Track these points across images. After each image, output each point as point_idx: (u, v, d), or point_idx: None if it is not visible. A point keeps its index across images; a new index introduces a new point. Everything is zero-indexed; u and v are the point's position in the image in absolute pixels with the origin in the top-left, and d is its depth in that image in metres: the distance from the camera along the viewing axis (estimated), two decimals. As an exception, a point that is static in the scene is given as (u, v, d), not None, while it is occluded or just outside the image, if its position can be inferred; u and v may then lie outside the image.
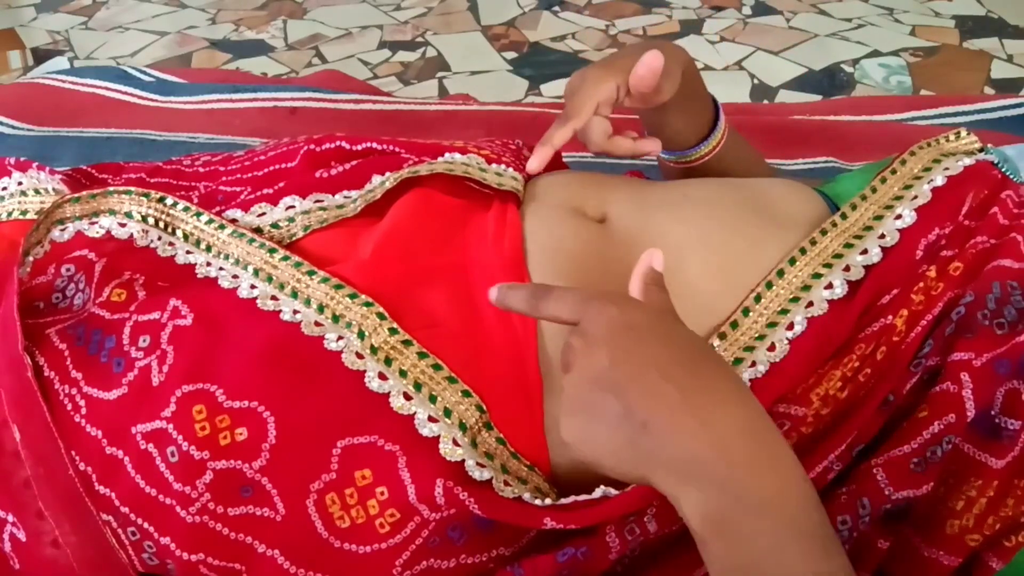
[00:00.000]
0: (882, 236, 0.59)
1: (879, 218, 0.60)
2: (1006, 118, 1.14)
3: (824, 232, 0.59)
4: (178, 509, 0.51)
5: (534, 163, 0.60)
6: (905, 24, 1.63)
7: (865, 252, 0.58)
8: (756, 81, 1.48)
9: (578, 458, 0.42)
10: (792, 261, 0.58)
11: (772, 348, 0.55)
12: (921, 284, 0.56)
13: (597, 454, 0.41)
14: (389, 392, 0.52)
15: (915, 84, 1.45)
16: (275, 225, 0.62)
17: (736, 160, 0.73)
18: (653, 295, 0.46)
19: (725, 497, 0.38)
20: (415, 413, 0.52)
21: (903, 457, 0.50)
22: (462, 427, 0.52)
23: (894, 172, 0.63)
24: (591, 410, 0.41)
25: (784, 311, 0.56)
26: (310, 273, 0.57)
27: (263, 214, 0.63)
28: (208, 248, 0.61)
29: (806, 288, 0.57)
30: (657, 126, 0.70)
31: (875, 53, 1.54)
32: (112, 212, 0.63)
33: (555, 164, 0.78)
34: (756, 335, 0.55)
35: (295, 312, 0.55)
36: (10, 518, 0.53)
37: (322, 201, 0.64)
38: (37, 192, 0.65)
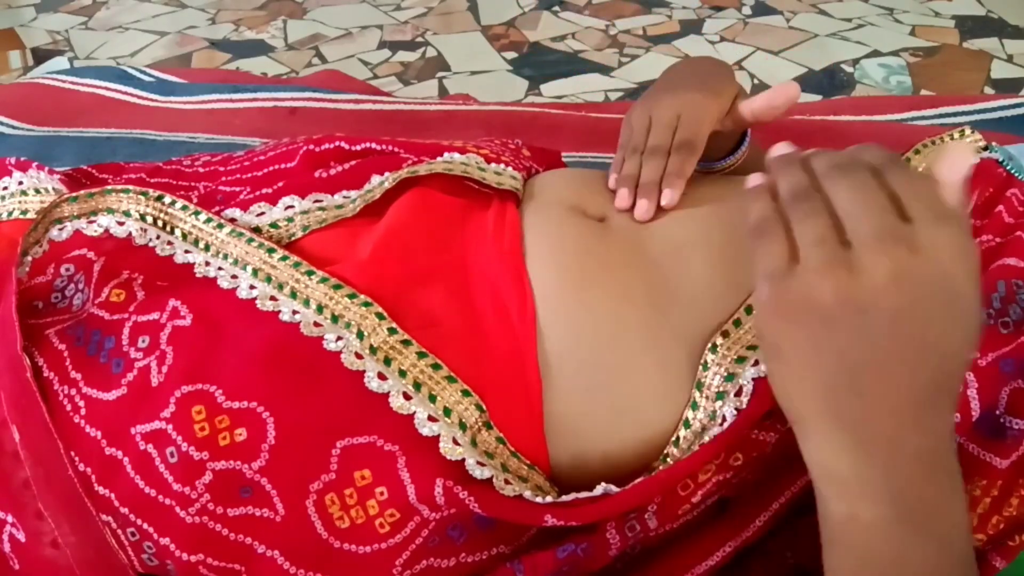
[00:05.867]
0: (886, 234, 0.58)
1: (883, 215, 0.60)
2: (1006, 118, 1.14)
3: (828, 229, 0.59)
4: (177, 510, 0.51)
5: (669, 198, 0.60)
6: (905, 24, 1.63)
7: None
8: (756, 81, 1.48)
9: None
10: (795, 258, 0.57)
11: None
12: (926, 282, 0.56)
13: (784, 366, 0.37)
14: (388, 392, 0.52)
15: (915, 84, 1.45)
16: (274, 225, 0.62)
17: (753, 168, 0.72)
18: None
19: (889, 504, 0.37)
20: (415, 413, 0.52)
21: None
22: (462, 426, 0.52)
23: (897, 171, 0.63)
24: (838, 329, 0.35)
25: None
26: (309, 273, 0.57)
27: (262, 214, 0.63)
28: (207, 247, 0.61)
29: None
30: None
31: (875, 53, 1.54)
32: (110, 211, 0.62)
33: (554, 163, 0.78)
34: (759, 333, 0.55)
35: (294, 312, 0.55)
36: (9, 519, 0.53)
37: (321, 201, 0.64)
38: (38, 191, 0.65)
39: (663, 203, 0.61)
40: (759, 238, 0.39)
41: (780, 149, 0.41)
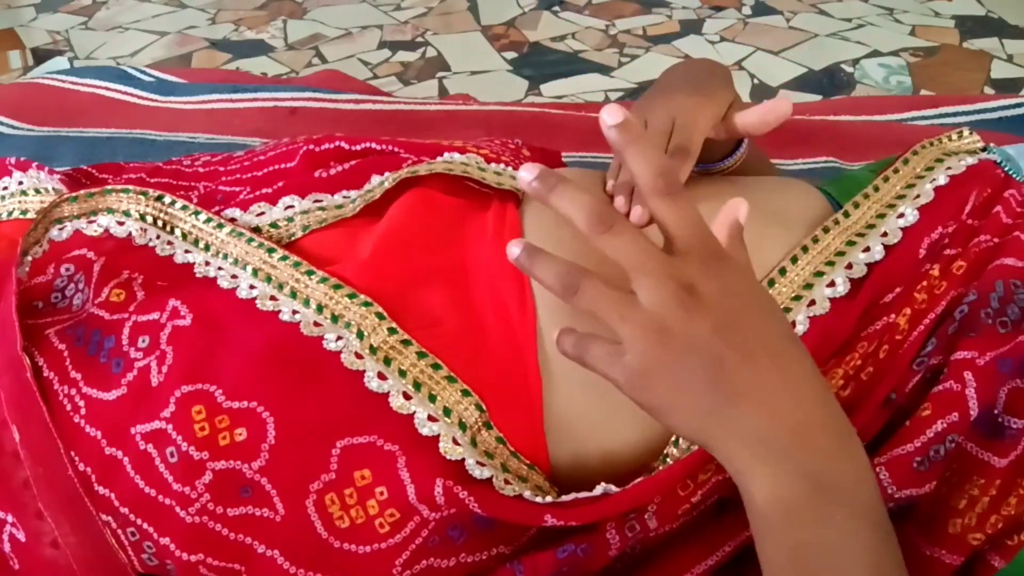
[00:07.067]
0: (884, 234, 0.59)
1: (882, 216, 0.60)
2: (1006, 118, 1.14)
3: (826, 230, 0.59)
4: (177, 510, 0.51)
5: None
6: (905, 24, 1.63)
7: (868, 250, 0.58)
8: (756, 81, 1.48)
9: (649, 406, 0.42)
10: (794, 259, 0.58)
11: None
12: (924, 283, 0.56)
13: (670, 415, 0.41)
14: (388, 392, 0.52)
15: (915, 84, 1.45)
16: (274, 225, 0.62)
17: (751, 168, 0.72)
18: (739, 253, 0.45)
19: (802, 482, 0.39)
20: (414, 412, 0.52)
21: (906, 456, 0.50)
22: (462, 426, 0.52)
23: (896, 171, 0.63)
24: (678, 373, 0.40)
25: (786, 309, 0.56)
26: (309, 273, 0.57)
27: (262, 213, 0.63)
28: (207, 247, 0.61)
29: (808, 286, 0.56)
30: None
31: (875, 53, 1.54)
32: (110, 211, 0.63)
33: (554, 163, 0.78)
34: (758, 334, 0.55)
35: (294, 312, 0.55)
36: (10, 518, 0.53)
37: (321, 201, 0.64)
38: (38, 191, 0.65)
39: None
40: (581, 355, 0.44)
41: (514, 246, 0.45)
